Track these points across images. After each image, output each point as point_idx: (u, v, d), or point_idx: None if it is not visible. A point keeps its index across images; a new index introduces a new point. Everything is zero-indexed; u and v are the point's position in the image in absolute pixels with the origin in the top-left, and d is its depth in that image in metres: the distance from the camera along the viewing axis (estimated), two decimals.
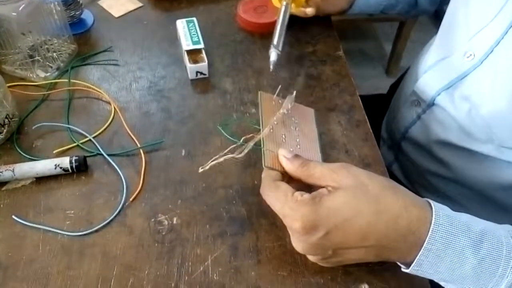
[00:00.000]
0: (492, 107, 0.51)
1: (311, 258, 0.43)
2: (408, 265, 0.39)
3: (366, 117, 0.58)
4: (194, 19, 0.65)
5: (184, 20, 0.65)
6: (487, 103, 0.51)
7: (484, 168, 0.57)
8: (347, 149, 0.55)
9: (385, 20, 1.86)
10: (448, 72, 0.56)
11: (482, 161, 0.56)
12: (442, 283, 0.41)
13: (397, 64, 1.79)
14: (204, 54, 0.61)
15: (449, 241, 0.37)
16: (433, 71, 0.59)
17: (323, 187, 0.40)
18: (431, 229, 0.37)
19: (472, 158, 0.57)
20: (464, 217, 0.39)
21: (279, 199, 0.40)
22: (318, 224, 0.38)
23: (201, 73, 0.61)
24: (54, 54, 0.61)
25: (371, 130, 0.57)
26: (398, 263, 0.41)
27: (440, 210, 0.38)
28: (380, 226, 0.38)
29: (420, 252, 0.37)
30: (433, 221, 0.37)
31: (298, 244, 0.41)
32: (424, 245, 0.37)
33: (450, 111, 0.57)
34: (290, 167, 0.43)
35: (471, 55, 0.52)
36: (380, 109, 0.81)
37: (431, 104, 0.59)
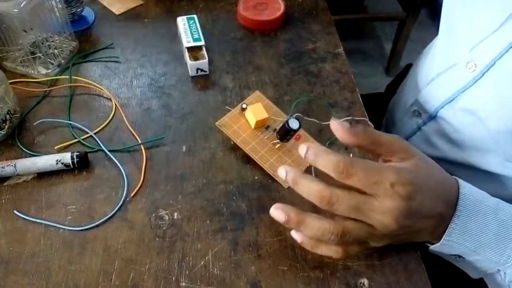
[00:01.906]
0: (497, 122, 0.49)
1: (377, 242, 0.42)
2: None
3: (366, 114, 0.59)
4: (195, 16, 0.65)
5: (184, 17, 0.65)
6: (492, 117, 0.50)
7: (488, 183, 0.55)
8: (347, 146, 0.55)
9: (385, 19, 1.86)
10: (451, 84, 0.54)
11: (486, 176, 0.55)
12: (461, 260, 0.45)
13: (397, 63, 1.80)
14: (204, 51, 0.62)
15: (475, 208, 0.41)
16: (436, 83, 0.58)
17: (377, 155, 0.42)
18: (460, 198, 0.41)
19: (475, 172, 0.56)
20: (480, 191, 0.44)
21: (372, 166, 0.38)
22: (417, 190, 0.39)
23: (202, 70, 0.61)
24: (56, 51, 0.62)
25: (371, 127, 0.57)
26: (426, 243, 0.45)
27: (462, 181, 0.43)
28: (445, 196, 0.42)
29: (451, 220, 0.41)
30: (460, 191, 0.41)
31: (392, 216, 0.38)
32: (455, 213, 0.41)
33: (453, 124, 0.55)
34: (352, 134, 0.40)
35: (472, 66, 0.50)
36: (380, 108, 0.82)
37: (433, 116, 0.58)
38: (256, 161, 0.52)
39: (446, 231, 0.41)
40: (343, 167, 0.37)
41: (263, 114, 0.53)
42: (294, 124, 0.49)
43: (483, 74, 0.49)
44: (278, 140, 0.53)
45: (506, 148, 0.50)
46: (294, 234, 0.43)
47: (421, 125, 0.61)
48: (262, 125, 0.54)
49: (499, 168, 0.53)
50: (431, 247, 0.44)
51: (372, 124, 0.57)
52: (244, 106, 0.55)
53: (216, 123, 0.54)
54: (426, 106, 0.59)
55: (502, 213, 0.42)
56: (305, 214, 0.40)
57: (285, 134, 0.51)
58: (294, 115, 0.52)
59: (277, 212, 0.41)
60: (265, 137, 0.54)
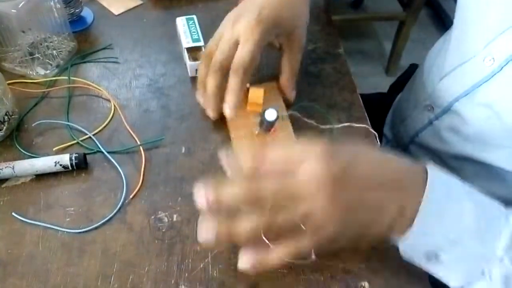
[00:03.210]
0: None
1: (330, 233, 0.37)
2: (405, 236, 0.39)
3: (366, 114, 0.58)
4: (194, 16, 0.65)
5: (184, 17, 0.65)
6: (508, 112, 0.49)
7: (494, 179, 0.55)
8: None
9: (385, 19, 1.86)
10: (467, 78, 0.53)
11: (493, 172, 0.55)
12: (438, 262, 0.39)
13: (396, 63, 1.80)
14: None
15: (448, 188, 0.39)
16: (451, 77, 0.57)
17: None
18: (429, 179, 0.38)
19: (482, 168, 0.56)
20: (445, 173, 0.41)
21: (287, 147, 0.39)
22: (339, 151, 0.37)
23: None
24: (54, 51, 0.61)
25: (371, 128, 0.57)
26: (399, 249, 0.41)
27: (429, 164, 0.40)
28: (390, 163, 0.39)
29: (423, 199, 0.37)
30: (429, 172, 0.38)
31: (320, 197, 0.36)
32: (426, 193, 0.37)
33: (467, 118, 0.55)
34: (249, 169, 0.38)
35: (491, 59, 0.49)
36: (380, 107, 0.81)
37: (446, 110, 0.58)
38: (230, 137, 0.54)
39: (418, 214, 0.37)
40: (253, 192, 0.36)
41: (259, 99, 0.55)
42: (270, 115, 0.51)
43: (502, 68, 0.49)
44: (259, 128, 0.54)
45: None
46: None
47: (433, 119, 0.60)
48: (257, 110, 0.55)
49: (508, 164, 0.53)
50: (404, 244, 0.40)
51: (375, 133, 0.56)
52: (247, 86, 0.55)
53: None
54: (440, 100, 0.58)
55: (476, 195, 0.39)
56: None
57: (261, 123, 0.53)
58: (275, 108, 0.52)
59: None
60: (253, 121, 0.55)
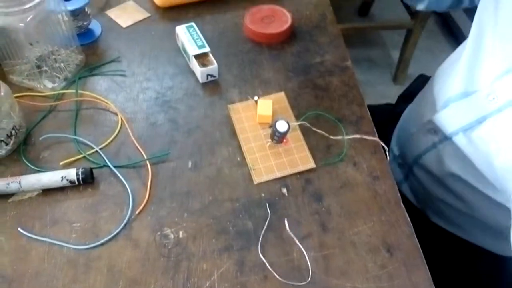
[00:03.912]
0: (507, 159, 0.46)
1: None
2: None
3: (374, 129, 0.58)
4: (193, 23, 0.65)
5: (183, 26, 0.65)
6: (503, 154, 0.47)
7: (498, 210, 0.53)
8: (355, 162, 0.54)
9: (392, 27, 1.85)
10: (469, 113, 0.52)
11: (497, 203, 0.53)
12: None
13: (404, 71, 1.78)
14: (211, 57, 0.61)
15: None
16: (452, 109, 0.55)
17: None
18: None
19: (487, 199, 0.54)
20: None
21: None
22: None
23: (212, 75, 0.61)
24: (62, 64, 0.61)
25: (380, 143, 0.56)
26: None
27: None
28: None
29: None
30: None
31: None
32: None
33: (466, 151, 0.53)
34: None
35: (494, 98, 0.48)
36: (388, 119, 0.80)
37: (449, 138, 0.56)
38: (243, 151, 0.54)
39: None
40: None
41: (268, 111, 0.55)
42: (281, 126, 0.51)
43: (504, 109, 0.47)
44: (270, 140, 0.55)
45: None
46: None
47: (437, 143, 0.59)
48: (267, 122, 0.56)
49: (509, 204, 0.51)
50: None
51: (385, 146, 0.55)
52: (256, 98, 0.57)
53: (228, 105, 0.57)
54: (441, 128, 0.57)
55: None
56: None
57: (272, 134, 0.54)
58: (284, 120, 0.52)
59: None
60: (263, 134, 0.55)
